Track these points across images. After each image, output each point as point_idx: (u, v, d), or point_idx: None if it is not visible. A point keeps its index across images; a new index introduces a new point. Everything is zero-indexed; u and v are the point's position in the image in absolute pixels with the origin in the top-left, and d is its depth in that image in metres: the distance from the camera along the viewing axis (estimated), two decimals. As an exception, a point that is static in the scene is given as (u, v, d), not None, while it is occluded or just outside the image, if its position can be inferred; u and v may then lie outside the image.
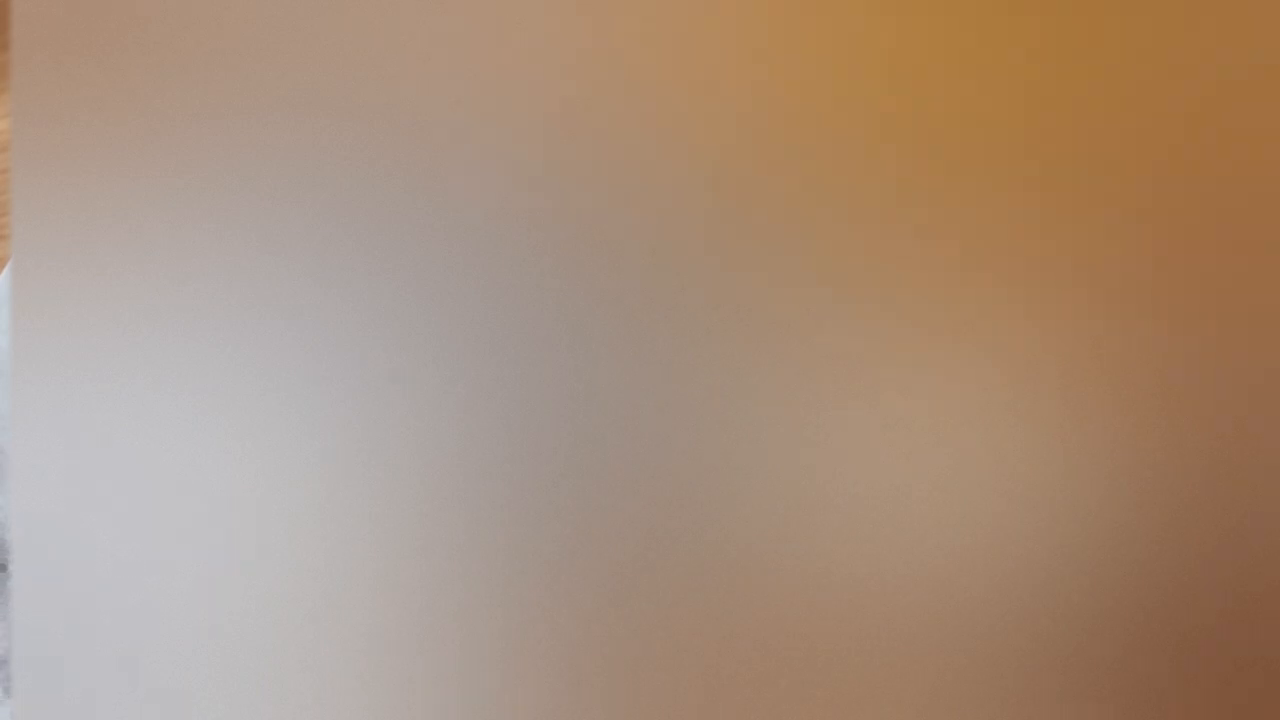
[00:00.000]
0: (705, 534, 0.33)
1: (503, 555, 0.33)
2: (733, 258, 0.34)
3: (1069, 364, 0.33)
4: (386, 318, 0.34)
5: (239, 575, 0.34)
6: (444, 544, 0.33)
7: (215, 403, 0.34)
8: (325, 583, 0.34)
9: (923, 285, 0.33)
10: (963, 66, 0.33)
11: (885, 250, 0.33)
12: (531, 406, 0.33)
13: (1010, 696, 0.33)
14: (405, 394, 0.34)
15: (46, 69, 0.34)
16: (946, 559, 0.33)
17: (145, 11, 0.34)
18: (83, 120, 0.34)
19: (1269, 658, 0.33)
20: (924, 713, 0.33)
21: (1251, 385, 0.33)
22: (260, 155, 0.34)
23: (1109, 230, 0.33)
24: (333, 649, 0.34)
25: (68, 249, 0.34)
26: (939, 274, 0.33)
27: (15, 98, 0.34)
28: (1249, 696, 0.33)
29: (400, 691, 0.34)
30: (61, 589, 0.34)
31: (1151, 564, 0.33)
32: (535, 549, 0.33)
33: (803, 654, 0.33)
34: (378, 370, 0.34)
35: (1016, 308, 0.33)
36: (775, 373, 0.33)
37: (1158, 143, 0.33)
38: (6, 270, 0.45)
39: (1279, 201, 0.33)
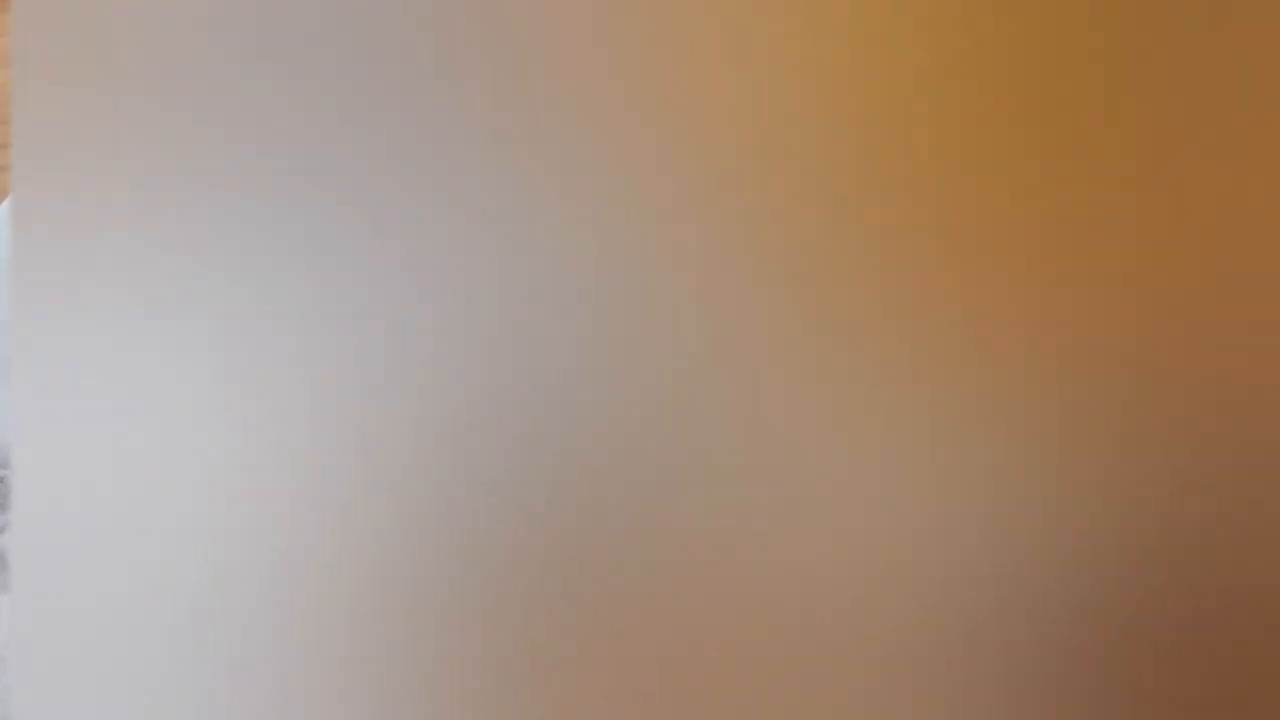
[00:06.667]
0: (698, 535, 0.33)
1: (495, 553, 0.33)
2: (729, 259, 0.33)
3: (1065, 366, 0.33)
4: (388, 309, 0.34)
5: (237, 471, 0.33)
6: (443, 540, 0.33)
7: (214, 311, 0.34)
8: (323, 518, 0.34)
9: (919, 287, 0.33)
10: (963, 74, 0.33)
11: (881, 252, 0.33)
12: (525, 408, 0.33)
13: (1001, 698, 0.33)
14: (405, 387, 0.33)
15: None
16: (939, 560, 0.33)
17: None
18: (84, 40, 0.34)
19: (1264, 658, 0.33)
20: (913, 714, 0.33)
21: (1246, 386, 0.33)
22: (267, 86, 0.34)
23: (1107, 233, 0.33)
24: (328, 583, 0.34)
25: (69, 167, 0.34)
26: (935, 276, 0.33)
27: (16, 15, 0.34)
28: (1245, 697, 0.33)
29: (393, 680, 0.34)
30: (61, 491, 0.34)
31: (1145, 565, 0.33)
32: (526, 548, 0.33)
33: (792, 654, 0.33)
34: (378, 347, 0.34)
35: (1014, 309, 0.33)
36: (769, 373, 0.33)
37: (1159, 146, 0.33)
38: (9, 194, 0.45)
39: (1274, 206, 0.33)
